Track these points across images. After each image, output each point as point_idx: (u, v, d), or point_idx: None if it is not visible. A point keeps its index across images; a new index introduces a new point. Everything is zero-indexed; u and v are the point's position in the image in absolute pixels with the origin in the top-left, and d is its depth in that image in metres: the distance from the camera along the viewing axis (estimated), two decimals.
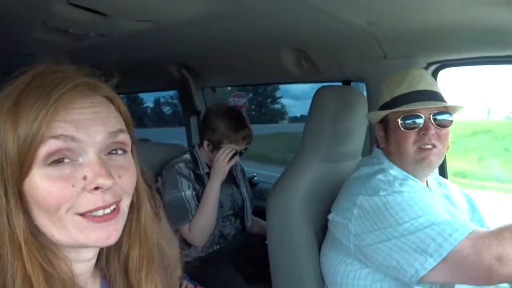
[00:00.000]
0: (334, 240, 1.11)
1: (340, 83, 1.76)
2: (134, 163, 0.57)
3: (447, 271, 0.91)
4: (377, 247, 0.99)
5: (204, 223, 1.66)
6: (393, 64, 1.40)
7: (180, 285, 1.54)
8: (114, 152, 0.54)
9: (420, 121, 1.08)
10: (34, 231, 0.51)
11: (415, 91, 1.10)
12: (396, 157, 1.13)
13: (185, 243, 1.75)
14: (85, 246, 0.54)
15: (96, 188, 0.50)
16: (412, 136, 1.09)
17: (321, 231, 1.21)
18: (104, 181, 0.50)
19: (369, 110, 1.42)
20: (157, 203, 0.67)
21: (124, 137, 0.55)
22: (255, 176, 2.63)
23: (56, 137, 0.48)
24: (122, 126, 0.55)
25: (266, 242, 1.36)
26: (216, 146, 1.75)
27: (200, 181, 1.75)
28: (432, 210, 0.99)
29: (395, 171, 1.11)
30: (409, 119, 1.08)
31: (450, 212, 1.05)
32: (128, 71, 2.51)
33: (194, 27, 1.46)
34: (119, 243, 0.57)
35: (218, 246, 1.81)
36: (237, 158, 1.75)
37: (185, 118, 2.69)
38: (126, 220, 0.58)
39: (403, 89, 1.11)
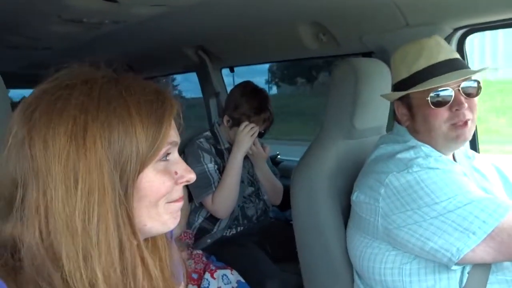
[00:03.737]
0: (360, 221, 1.06)
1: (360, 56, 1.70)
2: None
3: (493, 249, 0.87)
4: (409, 229, 0.93)
5: (227, 194, 1.68)
6: (417, 32, 1.33)
7: None
8: None
9: (450, 95, 0.98)
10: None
11: (437, 63, 1.00)
12: (425, 135, 1.04)
13: (210, 221, 1.78)
14: (168, 229, 0.63)
15: (182, 182, 0.62)
16: (443, 112, 0.99)
17: (346, 209, 1.20)
18: (192, 176, 0.62)
19: (392, 81, 1.36)
20: None
21: None
22: (278, 154, 2.62)
23: (171, 142, 0.59)
24: None
25: (291, 222, 1.35)
26: (235, 123, 1.75)
27: (221, 156, 1.78)
28: (470, 187, 0.93)
29: (427, 148, 1.03)
30: (438, 95, 0.98)
31: (482, 186, 1.00)
32: (144, 56, 2.50)
33: (207, 8, 1.44)
34: None
35: (242, 228, 1.82)
36: (256, 134, 1.75)
37: (205, 99, 2.69)
38: None
39: (423, 63, 1.00)
